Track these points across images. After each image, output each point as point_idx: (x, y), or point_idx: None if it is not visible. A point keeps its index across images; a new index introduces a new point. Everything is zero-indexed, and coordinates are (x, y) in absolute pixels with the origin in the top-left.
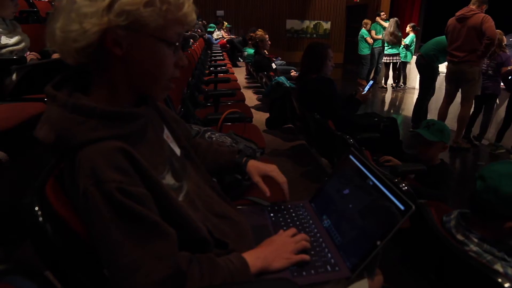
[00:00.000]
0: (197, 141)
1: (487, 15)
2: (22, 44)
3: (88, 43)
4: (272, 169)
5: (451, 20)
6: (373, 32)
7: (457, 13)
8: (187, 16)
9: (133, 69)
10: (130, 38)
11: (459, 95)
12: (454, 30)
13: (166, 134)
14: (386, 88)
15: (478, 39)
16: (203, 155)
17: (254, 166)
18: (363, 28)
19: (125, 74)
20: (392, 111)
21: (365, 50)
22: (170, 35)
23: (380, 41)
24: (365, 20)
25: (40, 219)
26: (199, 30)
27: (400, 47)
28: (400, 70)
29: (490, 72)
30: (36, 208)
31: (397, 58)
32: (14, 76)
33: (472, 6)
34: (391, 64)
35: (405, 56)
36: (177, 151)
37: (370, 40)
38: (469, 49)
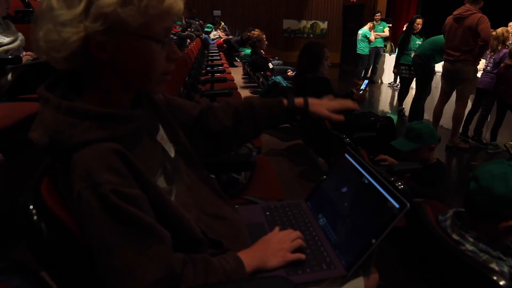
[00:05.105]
0: (223, 105)
1: (484, 16)
2: (17, 43)
3: (70, 52)
4: (336, 103)
5: (449, 19)
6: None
7: (455, 12)
8: (172, 8)
9: (122, 70)
10: (112, 40)
11: (454, 95)
12: (451, 29)
13: (161, 135)
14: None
15: (474, 40)
16: (239, 117)
17: (316, 103)
18: (366, 28)
19: (115, 75)
20: (389, 110)
21: (365, 50)
22: (155, 31)
23: (377, 41)
24: (370, 23)
25: (35, 217)
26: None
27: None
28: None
29: (488, 68)
30: (31, 207)
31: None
32: (9, 76)
33: (468, 5)
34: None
35: None
36: (171, 152)
37: (372, 38)
38: (464, 48)
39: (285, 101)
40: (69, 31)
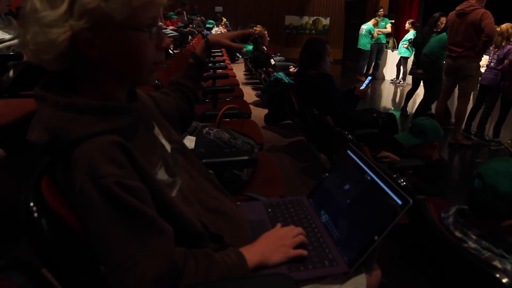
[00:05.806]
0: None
1: (487, 11)
2: (19, 39)
3: (60, 52)
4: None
5: (451, 15)
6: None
7: (457, 8)
8: None
9: (114, 64)
10: (100, 36)
11: (456, 91)
12: (454, 25)
13: (157, 131)
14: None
15: (477, 35)
16: (183, 96)
17: (216, 35)
18: (371, 24)
19: (107, 70)
20: (392, 107)
21: (367, 46)
22: (142, 22)
23: (379, 37)
24: (374, 20)
25: (35, 215)
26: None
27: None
28: (400, 66)
29: (492, 64)
30: (31, 204)
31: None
32: (11, 72)
33: (472, 1)
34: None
35: (405, 51)
36: (168, 147)
37: (375, 35)
38: (467, 44)
39: (191, 60)
40: (55, 32)
